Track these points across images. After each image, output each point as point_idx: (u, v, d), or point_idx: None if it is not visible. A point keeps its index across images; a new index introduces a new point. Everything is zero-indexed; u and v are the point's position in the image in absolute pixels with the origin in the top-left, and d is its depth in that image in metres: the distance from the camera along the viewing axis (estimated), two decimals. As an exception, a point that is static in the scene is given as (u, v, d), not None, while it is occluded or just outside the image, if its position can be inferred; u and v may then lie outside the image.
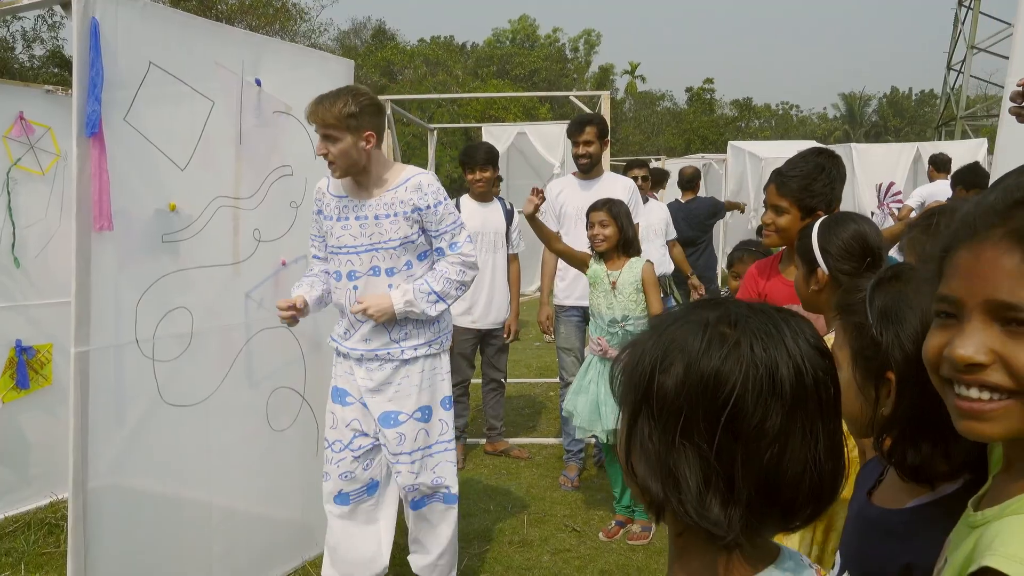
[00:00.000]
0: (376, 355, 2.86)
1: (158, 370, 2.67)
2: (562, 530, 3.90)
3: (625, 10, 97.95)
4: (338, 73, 3.42)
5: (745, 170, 12.77)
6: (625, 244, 3.69)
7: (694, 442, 0.81)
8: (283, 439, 3.25)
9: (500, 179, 8.80)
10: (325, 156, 2.75)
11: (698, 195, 7.79)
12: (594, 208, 3.71)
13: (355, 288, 2.84)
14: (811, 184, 2.42)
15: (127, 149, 2.50)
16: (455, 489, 3.03)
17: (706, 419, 0.81)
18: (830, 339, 1.74)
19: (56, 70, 22.59)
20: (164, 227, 2.67)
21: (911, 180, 10.58)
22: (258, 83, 2.98)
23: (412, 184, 2.81)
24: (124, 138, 2.48)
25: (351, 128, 2.72)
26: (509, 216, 4.87)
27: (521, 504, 4.24)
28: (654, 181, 8.81)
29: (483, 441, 5.16)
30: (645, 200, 5.29)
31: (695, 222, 7.16)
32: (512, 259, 4.90)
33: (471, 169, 4.74)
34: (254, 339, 3.08)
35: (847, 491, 1.69)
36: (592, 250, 3.77)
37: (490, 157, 4.77)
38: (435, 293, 2.82)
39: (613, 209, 3.67)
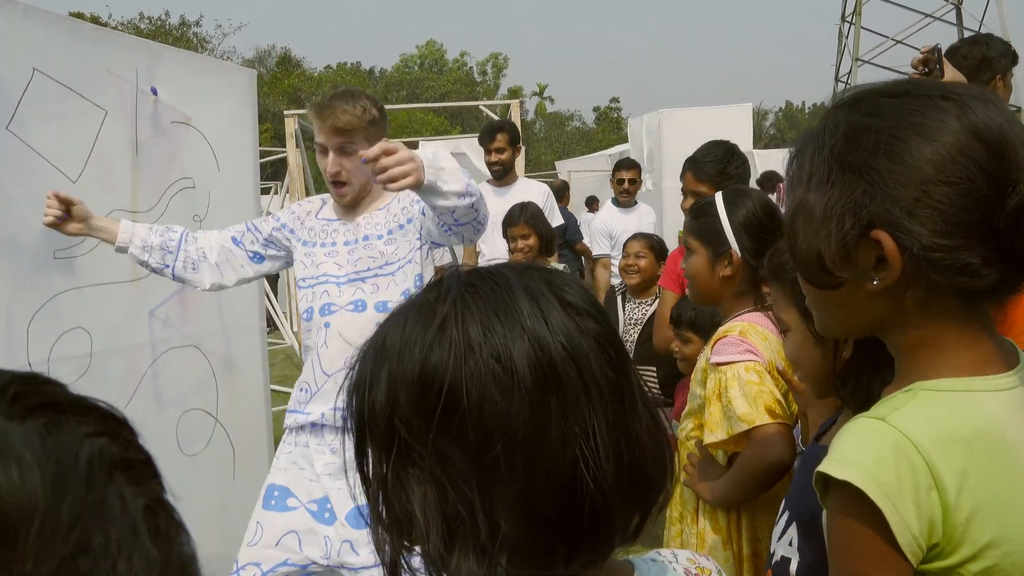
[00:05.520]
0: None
1: (55, 395, 2.50)
2: None
3: (530, 33, 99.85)
4: (240, 84, 3.32)
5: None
6: (545, 247, 3.65)
7: (426, 470, 0.61)
8: (196, 464, 3.09)
9: None
10: (335, 175, 2.18)
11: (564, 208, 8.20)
12: (510, 223, 3.62)
13: (327, 326, 2.22)
14: (726, 167, 2.49)
15: (11, 160, 2.35)
16: None
17: (423, 433, 0.60)
18: (735, 328, 1.73)
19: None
20: (56, 243, 2.51)
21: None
22: (154, 92, 2.86)
23: (404, 193, 2.21)
24: (7, 148, 2.33)
25: (371, 138, 2.10)
26: None
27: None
28: (557, 193, 8.99)
29: None
30: (634, 203, 5.22)
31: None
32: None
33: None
34: (160, 359, 2.93)
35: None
36: None
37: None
38: (466, 175, 1.97)
39: (528, 218, 3.60)
